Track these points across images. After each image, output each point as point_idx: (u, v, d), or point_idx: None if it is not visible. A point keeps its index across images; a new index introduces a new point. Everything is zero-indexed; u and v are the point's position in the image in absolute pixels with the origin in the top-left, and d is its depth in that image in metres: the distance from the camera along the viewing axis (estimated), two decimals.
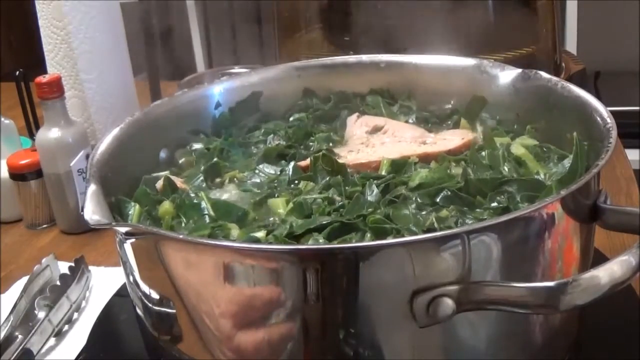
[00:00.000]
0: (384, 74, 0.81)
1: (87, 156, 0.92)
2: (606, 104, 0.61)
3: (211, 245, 0.51)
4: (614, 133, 0.57)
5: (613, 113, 0.60)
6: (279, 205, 0.61)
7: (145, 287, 0.56)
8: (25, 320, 0.72)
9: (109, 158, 0.64)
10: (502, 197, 0.58)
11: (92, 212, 0.53)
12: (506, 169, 0.63)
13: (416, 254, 0.47)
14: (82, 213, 0.54)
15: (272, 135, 0.76)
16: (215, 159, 0.71)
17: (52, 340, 0.73)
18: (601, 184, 0.57)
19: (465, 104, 0.76)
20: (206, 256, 0.50)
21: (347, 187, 0.61)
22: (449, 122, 0.76)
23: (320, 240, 0.53)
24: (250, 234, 0.56)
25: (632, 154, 1.81)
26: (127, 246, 0.55)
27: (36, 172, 0.96)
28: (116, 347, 0.71)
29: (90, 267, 0.83)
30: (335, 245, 0.53)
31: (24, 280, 0.79)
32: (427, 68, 0.79)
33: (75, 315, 0.77)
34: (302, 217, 0.58)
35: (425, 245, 0.47)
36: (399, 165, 0.65)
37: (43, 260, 0.80)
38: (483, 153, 0.66)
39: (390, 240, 0.50)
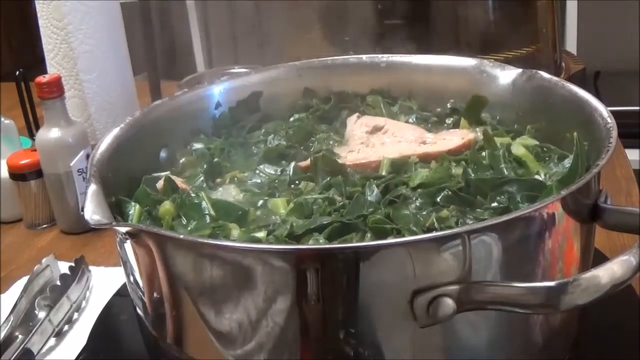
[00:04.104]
0: (384, 74, 0.81)
1: (87, 156, 0.92)
2: (606, 104, 0.61)
3: (211, 245, 0.51)
4: (614, 133, 0.57)
5: (613, 113, 0.59)
6: (280, 205, 0.61)
7: (145, 287, 0.56)
8: (26, 320, 0.72)
9: (109, 158, 0.64)
10: (503, 197, 0.58)
11: (93, 212, 0.53)
12: (506, 170, 0.63)
13: (416, 254, 0.47)
14: (82, 213, 0.54)
15: (272, 136, 0.76)
16: (215, 159, 0.71)
17: (52, 340, 0.73)
18: (601, 184, 0.57)
19: (465, 104, 0.76)
20: (206, 256, 0.50)
21: (347, 188, 0.61)
22: (449, 122, 0.76)
23: (321, 241, 0.53)
24: (251, 234, 0.56)
25: (632, 154, 1.81)
26: (127, 246, 0.55)
27: (36, 172, 0.96)
28: (116, 347, 0.71)
29: (90, 267, 0.83)
30: (335, 245, 0.53)
31: (24, 280, 0.79)
32: (427, 68, 0.79)
33: (75, 315, 0.77)
34: (303, 217, 0.58)
35: (426, 245, 0.47)
36: (399, 165, 0.65)
37: (43, 260, 0.80)
38: (483, 153, 0.66)
39: (390, 240, 0.50)
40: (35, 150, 0.96)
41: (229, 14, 2.66)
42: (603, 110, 0.60)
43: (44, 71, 1.02)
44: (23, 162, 0.96)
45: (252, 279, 0.49)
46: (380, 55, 0.81)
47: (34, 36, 1.10)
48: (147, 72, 1.29)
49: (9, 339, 0.70)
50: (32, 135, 1.13)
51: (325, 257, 0.48)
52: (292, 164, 0.68)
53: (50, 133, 0.92)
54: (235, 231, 0.57)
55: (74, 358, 0.71)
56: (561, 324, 0.57)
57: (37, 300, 0.74)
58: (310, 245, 0.53)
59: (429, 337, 0.49)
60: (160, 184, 0.66)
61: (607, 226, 0.56)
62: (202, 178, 0.68)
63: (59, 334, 0.74)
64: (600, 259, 0.55)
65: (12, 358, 0.67)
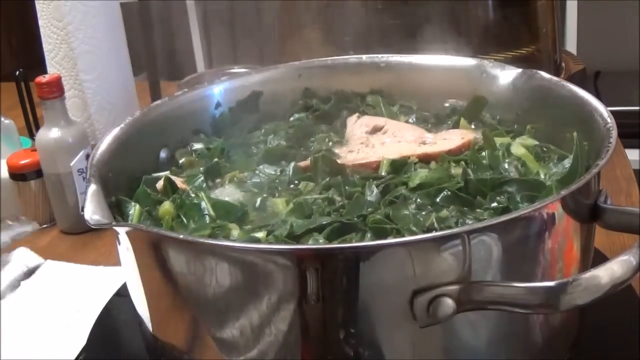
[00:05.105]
0: (384, 74, 0.81)
1: (87, 156, 0.92)
2: (606, 104, 0.61)
3: (211, 245, 0.51)
4: (614, 133, 0.57)
5: (613, 113, 0.59)
6: (279, 205, 0.61)
7: (145, 287, 0.56)
8: None
9: (109, 158, 0.64)
10: (502, 197, 0.58)
11: (92, 212, 0.53)
12: (506, 166, 0.63)
13: (416, 254, 0.47)
14: (82, 213, 0.54)
15: (272, 136, 0.76)
16: (215, 159, 0.71)
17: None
18: (601, 184, 0.58)
19: (465, 104, 0.76)
20: (206, 256, 0.50)
21: (347, 188, 0.61)
22: (449, 122, 0.76)
23: (321, 241, 0.53)
24: (251, 234, 0.56)
25: (632, 154, 1.81)
26: (127, 246, 0.55)
27: (36, 172, 0.96)
28: (116, 347, 0.71)
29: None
30: (335, 245, 0.53)
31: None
32: (427, 68, 0.79)
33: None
34: (303, 217, 0.58)
35: (426, 245, 0.47)
36: (399, 166, 0.65)
37: None
38: (483, 153, 0.66)
39: (390, 240, 0.50)
40: (35, 150, 0.96)
41: (229, 14, 2.66)
42: (603, 110, 0.60)
43: (44, 71, 1.02)
44: (23, 162, 0.96)
45: (252, 279, 0.49)
46: (380, 55, 0.81)
47: (34, 36, 1.10)
48: (147, 72, 1.29)
49: None
50: (32, 135, 1.13)
51: (325, 257, 0.48)
52: (292, 164, 0.68)
53: (50, 133, 0.92)
54: (235, 231, 0.57)
55: (74, 358, 0.71)
56: (561, 324, 0.57)
57: None
58: (310, 245, 0.53)
59: (429, 337, 0.49)
60: (160, 184, 0.66)
61: (607, 226, 0.56)
62: (202, 178, 0.68)
63: None
64: (600, 259, 0.54)
65: None
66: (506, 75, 0.73)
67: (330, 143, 0.75)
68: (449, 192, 0.58)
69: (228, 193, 0.65)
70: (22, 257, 0.82)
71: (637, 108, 2.09)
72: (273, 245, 0.53)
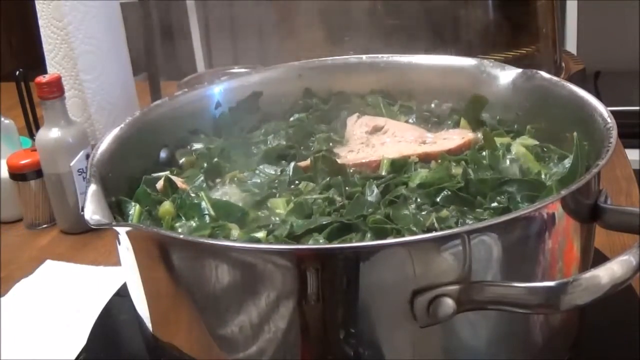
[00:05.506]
0: (384, 74, 0.81)
1: (87, 156, 0.92)
2: (606, 104, 0.61)
3: (211, 245, 0.51)
4: (614, 133, 0.57)
5: (613, 113, 0.59)
6: (280, 205, 0.61)
7: (145, 287, 0.56)
8: None
9: (109, 158, 0.64)
10: (503, 197, 0.58)
11: (93, 212, 0.53)
12: (507, 166, 0.63)
13: (416, 254, 0.47)
14: (82, 213, 0.54)
15: (272, 136, 0.76)
16: (215, 159, 0.71)
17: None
18: (601, 184, 0.57)
19: (466, 103, 0.76)
20: (206, 256, 0.50)
21: (347, 188, 0.61)
22: (449, 122, 0.76)
23: (321, 241, 0.53)
24: (251, 234, 0.56)
25: (632, 154, 1.81)
26: (127, 246, 0.55)
27: (36, 172, 0.96)
28: (116, 347, 0.71)
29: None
30: (335, 245, 0.53)
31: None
32: (427, 68, 0.79)
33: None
34: (303, 217, 0.58)
35: (426, 245, 0.47)
36: (399, 165, 0.65)
37: None
38: (483, 153, 0.66)
39: (390, 240, 0.50)
40: (35, 150, 0.96)
41: (229, 14, 2.66)
42: (603, 110, 0.60)
43: (44, 71, 1.02)
44: (23, 162, 0.96)
45: (252, 279, 0.49)
46: (380, 55, 0.81)
47: (34, 36, 1.10)
48: (147, 72, 1.29)
49: None
50: (32, 135, 1.13)
51: (325, 257, 0.48)
52: (292, 164, 0.68)
53: (50, 133, 0.92)
54: (235, 231, 0.57)
55: (74, 358, 0.71)
56: (561, 324, 0.57)
57: None
58: (310, 245, 0.53)
59: (429, 337, 0.49)
60: (160, 184, 0.66)
61: (607, 226, 0.56)
62: (202, 178, 0.68)
63: None
64: (600, 259, 0.54)
65: None
66: (506, 75, 0.73)
67: (331, 143, 0.75)
68: (449, 192, 0.58)
69: (228, 193, 0.66)
70: None
71: (637, 108, 2.09)
72: (273, 245, 0.53)
